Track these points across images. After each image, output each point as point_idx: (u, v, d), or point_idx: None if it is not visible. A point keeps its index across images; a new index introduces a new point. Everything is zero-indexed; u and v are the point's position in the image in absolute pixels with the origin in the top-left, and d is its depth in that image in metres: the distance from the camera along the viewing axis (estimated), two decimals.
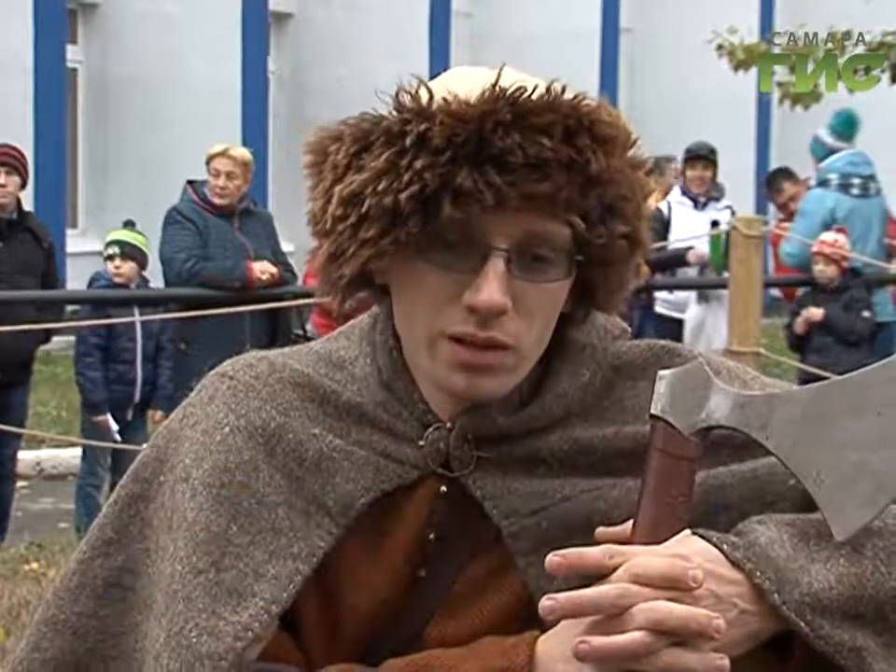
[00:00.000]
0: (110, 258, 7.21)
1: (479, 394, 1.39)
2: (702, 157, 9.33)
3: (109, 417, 7.10)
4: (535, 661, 1.31)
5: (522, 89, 1.34)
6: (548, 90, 1.35)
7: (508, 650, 1.33)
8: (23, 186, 7.10)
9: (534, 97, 1.33)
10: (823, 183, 8.55)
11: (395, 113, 1.36)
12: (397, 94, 1.36)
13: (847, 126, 8.64)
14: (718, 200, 9.30)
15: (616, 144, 1.37)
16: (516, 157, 1.31)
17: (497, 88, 1.33)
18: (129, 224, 7.58)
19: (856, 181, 8.48)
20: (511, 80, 1.35)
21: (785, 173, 10.22)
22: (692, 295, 9.02)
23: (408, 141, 1.33)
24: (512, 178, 1.31)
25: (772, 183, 10.25)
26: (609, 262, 1.40)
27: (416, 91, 1.36)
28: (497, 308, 1.33)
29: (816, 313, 7.79)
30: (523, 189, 1.32)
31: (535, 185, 1.32)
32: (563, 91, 1.35)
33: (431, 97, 1.35)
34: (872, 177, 8.56)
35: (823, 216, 8.31)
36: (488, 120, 1.32)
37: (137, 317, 7.09)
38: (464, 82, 1.37)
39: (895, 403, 1.33)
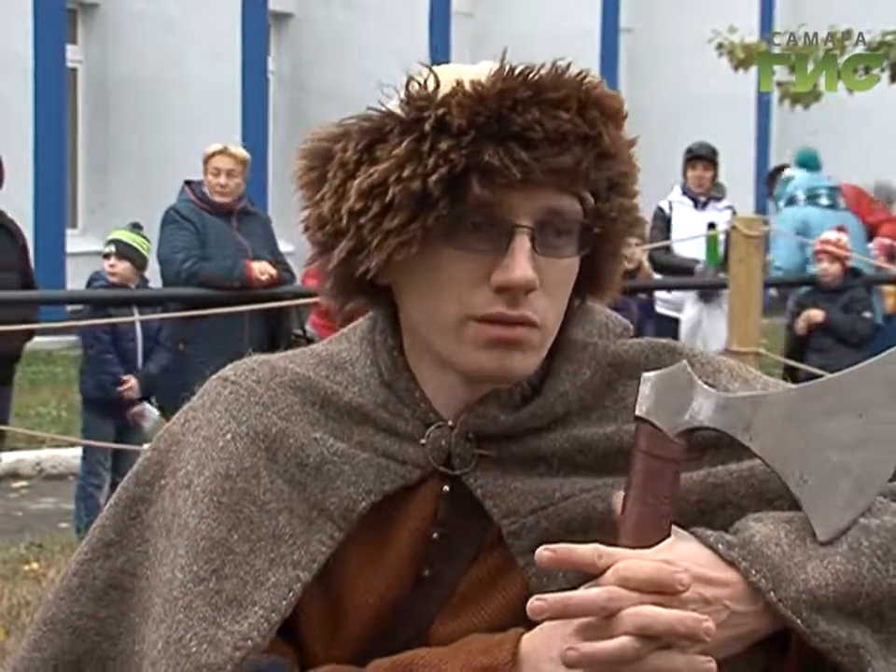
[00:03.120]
0: (106, 256, 7.18)
1: (509, 372, 1.39)
2: (702, 157, 9.35)
3: (146, 404, 7.09)
4: (519, 659, 1.31)
5: (530, 67, 1.36)
6: (554, 67, 1.37)
7: (492, 647, 1.32)
8: None
9: (543, 74, 1.35)
10: (791, 201, 8.76)
11: (405, 103, 1.36)
12: (407, 84, 1.37)
13: (811, 159, 9.03)
14: (719, 200, 9.32)
15: (620, 117, 1.40)
16: (537, 132, 1.33)
17: (507, 67, 1.35)
18: (135, 226, 7.48)
19: (822, 191, 8.68)
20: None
21: None
22: (690, 294, 9.02)
23: (427, 126, 1.33)
24: (536, 153, 1.33)
25: (775, 180, 10.24)
26: (612, 238, 1.42)
27: (425, 81, 1.37)
28: (529, 284, 1.35)
29: (816, 314, 7.78)
30: (546, 164, 1.33)
31: (557, 158, 1.34)
32: (567, 67, 1.37)
33: (438, 85, 1.36)
34: (837, 189, 8.75)
35: (794, 225, 8.50)
36: (507, 98, 1.33)
37: (137, 317, 7.08)
38: (461, 72, 1.38)
39: (875, 405, 1.34)
